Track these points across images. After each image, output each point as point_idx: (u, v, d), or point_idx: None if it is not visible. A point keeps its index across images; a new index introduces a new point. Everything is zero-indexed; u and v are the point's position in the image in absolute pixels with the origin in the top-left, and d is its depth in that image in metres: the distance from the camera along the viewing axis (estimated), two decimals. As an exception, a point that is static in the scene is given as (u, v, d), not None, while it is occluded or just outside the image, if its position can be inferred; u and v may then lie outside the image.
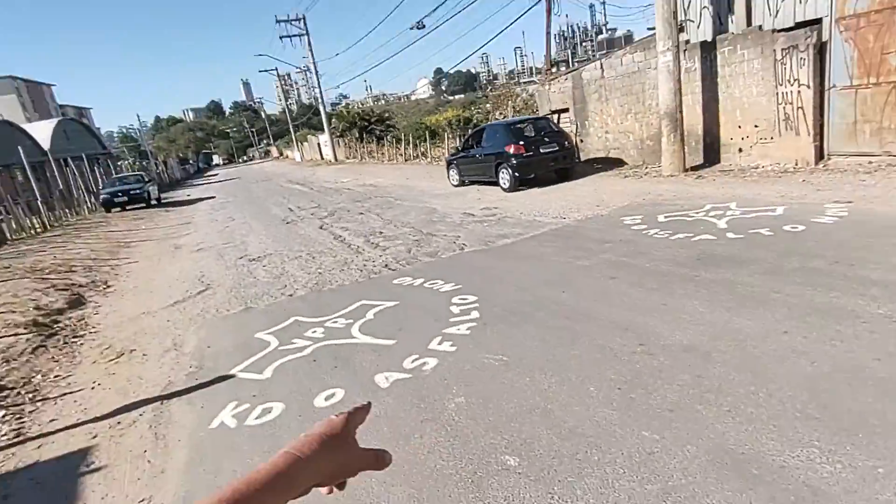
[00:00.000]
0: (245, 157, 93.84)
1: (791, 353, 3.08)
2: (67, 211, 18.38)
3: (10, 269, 9.00)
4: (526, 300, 4.66)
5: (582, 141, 13.13)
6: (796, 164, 8.59)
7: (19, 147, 18.85)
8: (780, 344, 3.20)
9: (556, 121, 12.43)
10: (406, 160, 25.13)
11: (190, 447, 3.14)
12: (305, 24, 35.45)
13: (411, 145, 25.55)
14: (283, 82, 76.43)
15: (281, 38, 35.75)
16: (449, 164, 13.64)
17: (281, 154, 68.57)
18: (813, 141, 8.30)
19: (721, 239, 5.50)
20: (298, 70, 69.00)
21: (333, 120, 38.06)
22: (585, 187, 10.25)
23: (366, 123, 34.13)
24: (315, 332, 4.71)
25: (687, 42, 9.99)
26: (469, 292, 5.10)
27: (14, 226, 14.29)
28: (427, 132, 26.53)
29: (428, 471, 2.58)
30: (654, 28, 9.84)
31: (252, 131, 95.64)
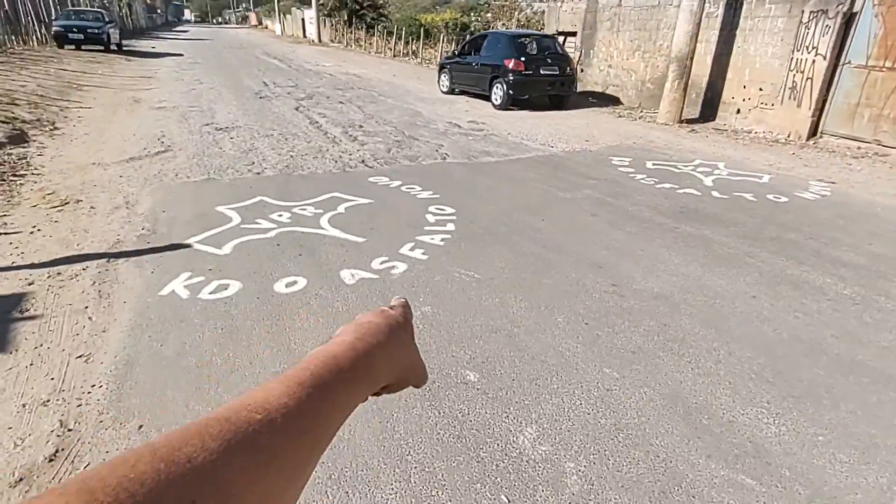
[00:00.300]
0: (220, 19, 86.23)
1: (756, 318, 3.12)
2: (14, 38, 16.45)
3: None
4: (503, 221, 4.53)
5: (582, 70, 12.55)
6: (788, 136, 8.52)
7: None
8: (748, 307, 3.24)
9: (561, 42, 11.74)
10: (395, 56, 23.60)
11: (136, 311, 2.97)
12: None
13: (402, 41, 23.91)
14: (272, -60, 68.59)
15: None
16: (441, 67, 12.84)
17: (260, 23, 63.09)
18: (811, 115, 8.19)
19: (706, 196, 5.46)
20: (291, -71, 61.97)
21: (323, -5, 34.86)
22: (578, 119, 9.92)
23: (357, 7, 31.50)
24: (281, 216, 4.47)
25: (716, -16, 9.38)
26: (447, 203, 4.92)
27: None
28: (422, 30, 24.83)
29: (386, 373, 2.53)
30: (686, -40, 9.12)
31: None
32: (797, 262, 3.89)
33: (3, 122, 6.77)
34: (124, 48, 21.09)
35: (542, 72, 10.32)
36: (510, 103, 10.43)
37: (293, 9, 44.14)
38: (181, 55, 20.23)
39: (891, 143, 7.37)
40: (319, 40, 33.10)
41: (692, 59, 9.25)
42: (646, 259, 3.88)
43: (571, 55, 12.16)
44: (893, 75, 7.26)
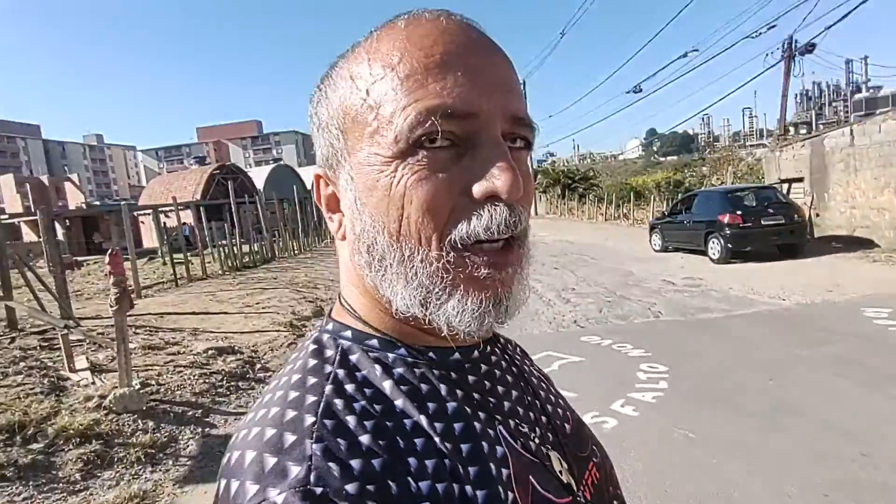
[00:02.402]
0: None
1: None
2: (317, 239, 22.61)
3: (277, 280, 11.54)
4: (723, 380, 4.38)
5: (818, 215, 11.47)
6: None
7: (293, 186, 24.01)
8: None
9: (784, 191, 11.15)
10: (606, 220, 24.77)
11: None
12: (525, 87, 38.12)
13: (613, 205, 25.14)
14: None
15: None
16: (652, 227, 13.17)
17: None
18: None
19: None
20: (511, 128, 73.69)
21: (539, 176, 39.57)
22: (817, 268, 8.93)
23: (569, 181, 34.75)
24: (503, 372, 5.11)
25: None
26: (659, 361, 4.98)
27: (280, 247, 18.19)
28: (632, 193, 25.88)
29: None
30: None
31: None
32: None
33: (310, 301, 9.34)
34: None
35: (763, 222, 9.85)
36: (730, 257, 10.01)
37: (513, 190, 50.56)
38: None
39: None
40: (536, 213, 36.82)
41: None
42: (911, 427, 3.31)
43: (801, 201, 11.37)
44: None
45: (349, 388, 0.43)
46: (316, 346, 0.48)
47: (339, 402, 0.41)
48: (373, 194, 0.44)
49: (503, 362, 0.57)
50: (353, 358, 0.47)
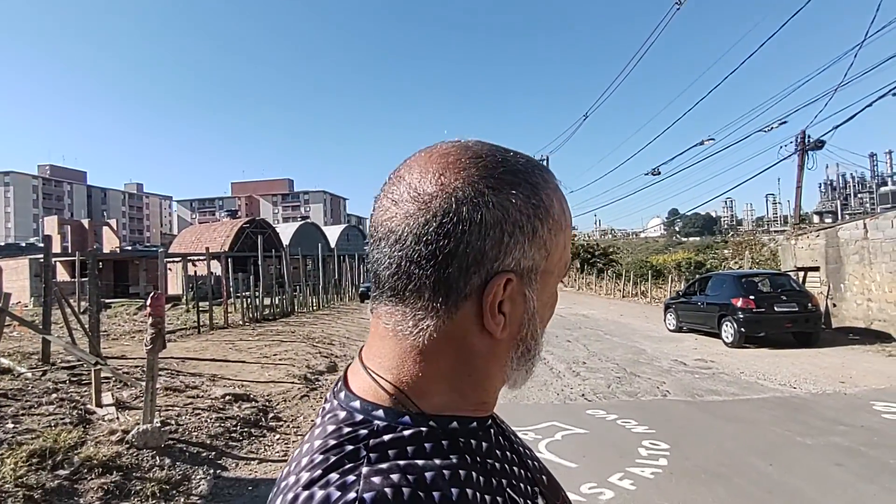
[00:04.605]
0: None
1: None
2: (336, 297, 23.09)
3: (294, 334, 11.85)
4: (724, 462, 4.43)
5: (835, 305, 11.47)
6: None
7: (318, 243, 24.88)
8: None
9: (800, 279, 11.25)
10: (624, 296, 24.76)
11: None
12: (548, 164, 39.47)
13: (632, 282, 25.21)
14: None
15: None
16: (667, 307, 13.26)
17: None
18: None
19: None
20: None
21: (558, 248, 39.98)
22: (831, 358, 8.88)
23: (589, 256, 35.07)
24: (506, 438, 5.22)
25: None
26: (661, 439, 5.04)
27: (300, 301, 18.64)
28: (651, 271, 25.99)
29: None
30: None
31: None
32: None
33: (325, 356, 9.58)
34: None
35: (776, 308, 9.93)
36: (743, 341, 10.02)
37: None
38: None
39: None
40: (553, 285, 36.87)
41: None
42: (905, 520, 3.34)
43: (817, 290, 11.43)
44: None
45: (383, 466, 0.46)
46: (350, 430, 0.49)
47: (376, 480, 0.44)
48: (543, 301, 0.57)
49: (502, 428, 0.63)
50: (386, 437, 0.49)
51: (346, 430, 0.49)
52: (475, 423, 0.54)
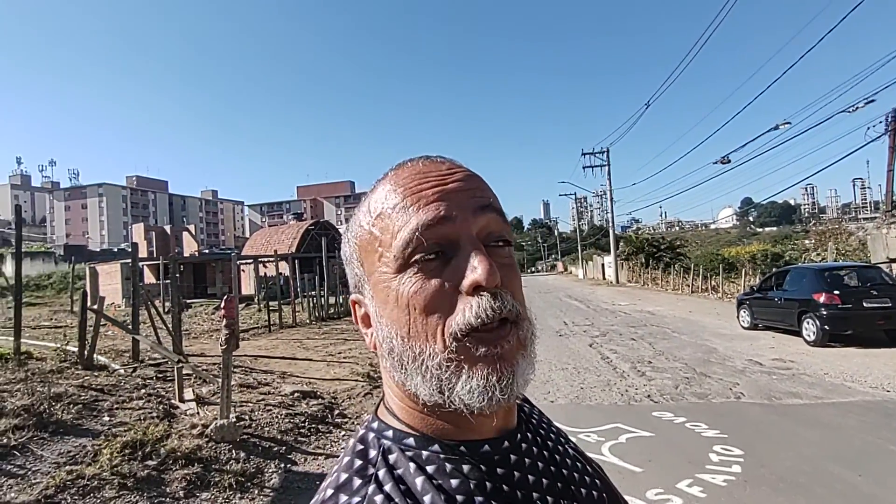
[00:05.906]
0: (533, 269, 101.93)
1: None
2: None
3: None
4: (804, 470, 4.15)
5: (937, 300, 10.37)
6: None
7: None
8: None
9: (893, 272, 10.28)
10: (693, 291, 23.61)
11: None
12: (608, 156, 38.26)
13: (700, 277, 23.97)
14: (578, 204, 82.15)
15: (584, 167, 39.20)
16: (740, 303, 12.51)
17: (565, 269, 72.21)
18: None
19: None
20: (594, 194, 73.47)
21: (621, 243, 38.77)
22: (933, 359, 8.06)
23: (654, 249, 33.68)
24: (568, 439, 5.14)
25: None
26: (735, 444, 4.79)
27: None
28: (722, 265, 24.60)
29: None
30: None
31: (544, 246, 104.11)
32: None
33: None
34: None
35: (865, 304, 9.12)
36: (828, 339, 9.29)
37: (594, 256, 49.73)
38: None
39: None
40: (617, 281, 35.77)
41: None
42: None
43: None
44: None
45: (388, 487, 0.49)
46: (361, 447, 0.54)
47: (378, 499, 0.48)
48: (386, 306, 0.53)
49: (534, 448, 0.58)
50: (391, 458, 0.52)
51: (359, 448, 0.55)
52: (464, 447, 0.53)
